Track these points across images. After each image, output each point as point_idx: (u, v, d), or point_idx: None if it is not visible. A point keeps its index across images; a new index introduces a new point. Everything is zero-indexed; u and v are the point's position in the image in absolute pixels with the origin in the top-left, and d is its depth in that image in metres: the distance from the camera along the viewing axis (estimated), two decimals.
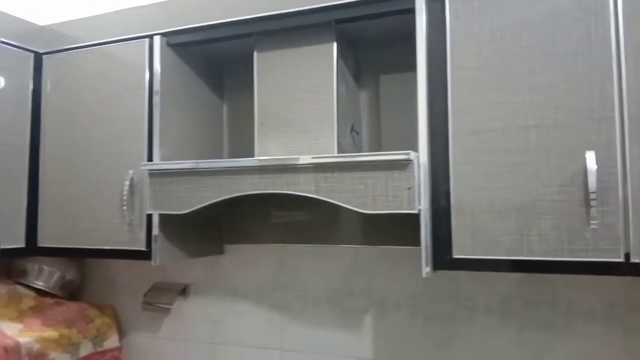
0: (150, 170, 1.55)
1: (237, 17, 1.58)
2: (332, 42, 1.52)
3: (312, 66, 1.54)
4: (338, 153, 1.48)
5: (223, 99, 1.93)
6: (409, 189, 1.23)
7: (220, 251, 1.88)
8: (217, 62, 1.87)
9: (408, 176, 1.23)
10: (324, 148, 1.50)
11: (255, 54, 1.61)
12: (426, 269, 1.26)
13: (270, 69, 1.59)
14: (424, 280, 1.60)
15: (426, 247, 1.26)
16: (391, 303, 1.67)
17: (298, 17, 1.50)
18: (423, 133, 1.30)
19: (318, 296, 1.77)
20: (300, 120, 1.54)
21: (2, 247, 1.70)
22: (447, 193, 1.27)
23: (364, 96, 1.74)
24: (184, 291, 1.94)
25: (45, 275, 1.98)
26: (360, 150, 1.69)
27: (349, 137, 1.59)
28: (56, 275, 2.00)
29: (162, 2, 1.69)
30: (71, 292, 2.06)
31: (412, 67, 1.33)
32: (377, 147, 1.72)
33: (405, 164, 1.24)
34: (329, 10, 1.46)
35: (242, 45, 1.67)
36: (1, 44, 1.73)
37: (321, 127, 1.51)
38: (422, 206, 1.25)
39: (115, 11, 1.78)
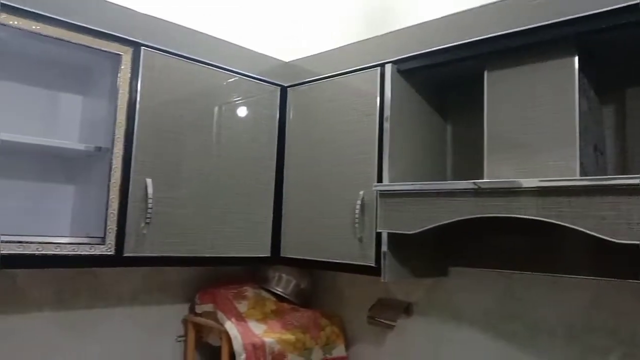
0: (380, 190, 1.63)
1: (464, 39, 1.58)
2: (573, 55, 1.42)
3: (549, 82, 1.46)
4: (580, 175, 1.37)
5: (447, 121, 1.94)
6: None
7: (444, 273, 1.88)
8: (441, 84, 1.89)
9: None
10: (564, 169, 1.40)
11: (485, 73, 1.58)
12: None
13: (501, 88, 1.55)
14: None
15: None
16: None
17: (536, 33, 1.44)
18: None
19: (552, 329, 1.64)
20: (535, 141, 1.47)
21: (252, 255, 1.95)
22: None
23: (607, 112, 1.58)
24: (407, 309, 1.97)
25: (283, 282, 2.21)
26: (605, 172, 1.53)
27: (592, 157, 1.46)
28: (292, 283, 2.22)
29: (392, 32, 1.78)
30: (304, 299, 2.26)
31: None
32: (622, 168, 1.54)
33: None
34: (572, 24, 1.37)
35: (468, 67, 1.66)
36: (256, 80, 2.01)
37: (560, 147, 1.41)
38: None
39: (349, 44, 1.93)
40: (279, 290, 2.19)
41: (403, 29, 1.75)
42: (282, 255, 2.01)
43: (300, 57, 2.10)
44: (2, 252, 1.41)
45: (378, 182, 1.70)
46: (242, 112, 1.98)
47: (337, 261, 1.81)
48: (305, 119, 2.03)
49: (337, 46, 1.98)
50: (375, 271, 1.68)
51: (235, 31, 2.22)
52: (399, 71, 1.75)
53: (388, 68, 1.74)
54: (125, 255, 1.63)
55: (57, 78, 1.85)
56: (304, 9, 2.57)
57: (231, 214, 1.91)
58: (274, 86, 2.08)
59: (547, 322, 1.65)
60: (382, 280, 1.65)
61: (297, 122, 2.05)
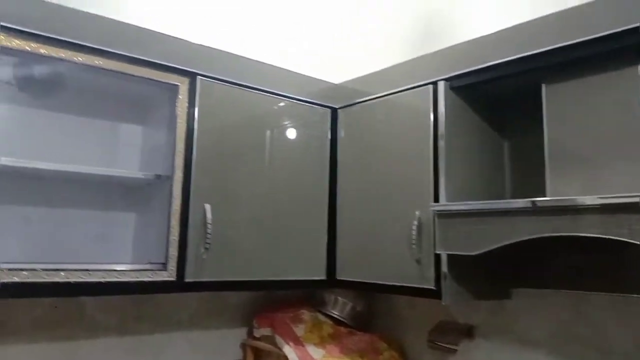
0: (438, 211, 1.60)
1: (519, 54, 1.55)
2: (637, 65, 1.36)
3: (612, 94, 1.40)
4: None
5: (503, 137, 1.89)
6: None
7: (506, 295, 1.81)
8: (496, 100, 1.85)
9: None
10: (630, 185, 1.33)
11: (543, 87, 1.54)
12: None
13: (561, 102, 1.50)
14: None
15: None
16: None
17: (596, 44, 1.39)
18: None
19: (627, 353, 1.55)
20: (599, 156, 1.41)
21: (309, 278, 1.95)
22: None
23: None
24: (469, 332, 1.91)
25: (339, 305, 2.20)
26: None
27: None
28: (349, 306, 2.19)
29: (443, 49, 1.77)
30: (360, 322, 2.23)
31: None
32: None
33: None
34: (634, 33, 1.32)
35: (524, 81, 1.62)
36: (307, 103, 2.03)
37: (626, 161, 1.35)
38: None
39: (398, 63, 1.93)
40: (335, 313, 2.18)
41: (455, 45, 1.74)
42: (338, 277, 2.00)
43: (350, 78, 2.11)
44: (69, 280, 1.46)
45: (434, 201, 1.67)
46: (294, 135, 2.00)
47: (395, 284, 1.78)
48: (356, 140, 2.02)
49: (386, 66, 1.98)
50: (434, 294, 1.64)
51: (285, 56, 2.26)
52: (452, 88, 1.72)
53: (441, 85, 1.71)
54: (186, 281, 1.65)
55: (117, 109, 1.93)
56: (352, 31, 2.59)
57: (287, 236, 1.92)
58: (325, 108, 2.09)
59: (621, 345, 1.56)
60: (443, 303, 1.61)
61: (349, 143, 2.05)
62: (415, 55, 1.89)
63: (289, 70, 2.01)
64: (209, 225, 1.69)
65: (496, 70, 1.61)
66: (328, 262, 2.01)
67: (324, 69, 2.23)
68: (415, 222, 1.70)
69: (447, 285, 1.61)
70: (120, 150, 1.94)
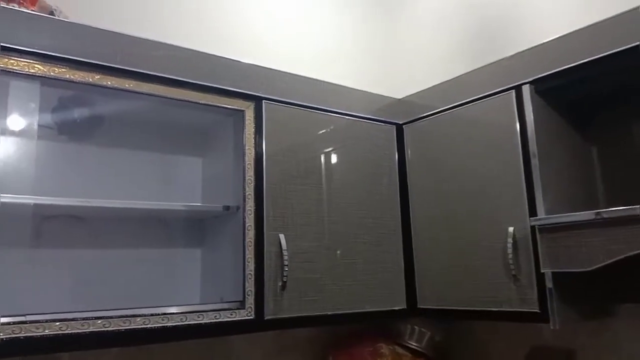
0: (540, 225, 1.45)
1: (612, 49, 1.42)
2: None
3: None
4: None
5: (591, 141, 1.75)
6: None
7: (610, 312, 1.64)
8: (582, 102, 1.71)
9: None
10: None
11: None
12: None
13: None
14: None
15: None
16: None
17: None
18: None
19: None
20: None
21: (388, 308, 1.80)
22: None
23: None
24: (569, 358, 1.74)
25: (417, 335, 2.04)
26: None
27: None
28: (427, 336, 2.03)
29: (524, 51, 1.64)
30: (441, 353, 2.06)
31: None
32: None
33: None
34: None
35: (614, 81, 1.49)
36: (371, 121, 1.92)
37: None
38: None
39: (465, 73, 1.81)
40: (413, 344, 2.01)
41: (537, 46, 1.60)
42: (419, 306, 1.84)
43: (414, 92, 2.00)
44: (147, 326, 1.34)
45: (531, 215, 1.52)
46: (360, 154, 1.88)
47: (488, 309, 1.63)
48: (426, 156, 1.90)
49: (451, 77, 1.86)
50: (539, 317, 1.49)
51: (346, 74, 2.17)
52: (537, 92, 1.60)
53: (526, 89, 1.59)
54: (266, 318, 1.53)
55: (175, 141, 1.84)
56: (412, 43, 2.50)
57: (361, 264, 1.78)
58: (389, 125, 1.98)
59: None
60: (552, 327, 1.45)
61: (418, 160, 1.93)
62: (477, 65, 1.78)
63: (351, 88, 1.91)
64: (285, 257, 1.57)
65: (587, 69, 1.48)
66: (408, 290, 1.86)
67: (386, 84, 2.13)
68: (510, 240, 1.55)
69: (555, 306, 1.45)
70: (180, 184, 1.84)
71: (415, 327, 2.03)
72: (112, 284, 1.64)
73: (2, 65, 1.27)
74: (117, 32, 1.45)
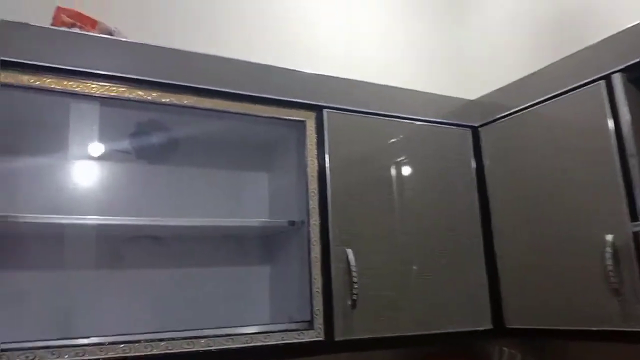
0: None
1: None
2: None
3: None
4: None
5: None
6: None
7: None
8: None
9: None
10: None
11: None
12: None
13: None
14: None
15: None
16: None
17: None
18: None
19: None
20: None
21: (472, 329, 1.65)
22: None
23: None
24: None
25: (505, 357, 1.86)
26: None
27: None
28: (517, 359, 1.85)
29: (610, 37, 1.46)
30: None
31: None
32: None
33: None
34: None
35: None
36: (443, 125, 1.79)
37: None
38: None
39: (547, 66, 1.65)
40: None
41: (627, 29, 1.41)
42: (507, 326, 1.67)
43: (489, 91, 1.85)
44: (211, 348, 1.30)
45: (633, 220, 1.32)
46: (432, 161, 1.75)
47: (586, 328, 1.43)
48: (506, 160, 1.74)
49: (530, 72, 1.70)
50: None
51: (412, 77, 2.06)
52: (629, 80, 1.40)
53: (617, 79, 1.40)
54: (336, 340, 1.43)
55: (240, 157, 1.82)
56: (484, 40, 2.35)
57: (440, 281, 1.65)
58: (463, 128, 1.83)
59: None
60: None
61: (498, 165, 1.77)
62: (557, 58, 1.61)
63: (419, 91, 1.80)
64: (354, 273, 1.47)
65: None
66: (493, 308, 1.69)
67: (456, 84, 2.00)
68: (609, 249, 1.36)
69: None
70: (247, 200, 1.81)
71: (504, 348, 1.86)
72: (186, 303, 1.63)
73: (79, 90, 1.30)
74: (177, 49, 1.45)
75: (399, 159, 1.69)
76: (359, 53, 2.17)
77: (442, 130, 1.80)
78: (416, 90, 1.80)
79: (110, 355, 1.19)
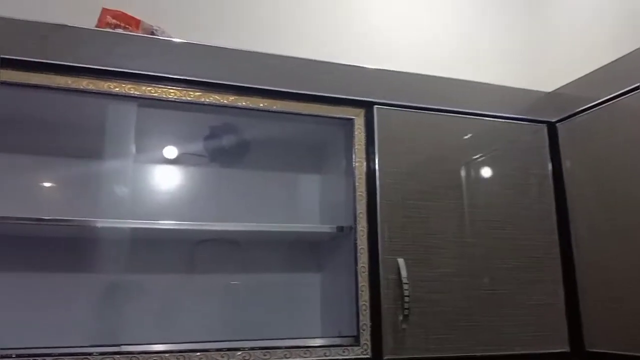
0: None
1: None
2: None
3: None
4: None
5: None
6: None
7: None
8: None
9: None
10: None
11: None
12: None
13: None
14: None
15: None
16: None
17: None
18: None
19: None
20: None
21: (545, 351, 1.45)
22: None
23: None
24: None
25: None
26: None
27: None
28: None
29: None
30: None
31: None
32: None
33: None
34: None
35: None
36: (513, 121, 1.60)
37: None
38: None
39: (630, 52, 1.41)
40: None
41: None
42: (587, 349, 1.45)
43: (568, 81, 1.63)
44: None
45: None
46: (499, 163, 1.57)
47: None
48: (588, 159, 1.51)
49: (614, 58, 1.47)
50: None
51: (475, 67, 1.88)
52: None
53: None
54: (385, 359, 1.30)
55: (293, 159, 1.75)
56: (563, 26, 2.11)
57: (507, 296, 1.46)
58: (538, 124, 1.63)
59: None
60: None
61: (578, 165, 1.55)
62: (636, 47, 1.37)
63: (486, 83, 1.62)
64: (405, 285, 1.34)
65: None
66: (571, 328, 1.48)
67: (529, 77, 1.79)
68: None
69: None
70: (301, 203, 1.73)
71: None
72: (230, 313, 1.58)
73: (156, 95, 1.31)
74: (247, 50, 1.40)
75: (462, 160, 1.53)
76: (418, 46, 2.02)
77: (514, 126, 1.61)
78: (482, 83, 1.62)
79: None
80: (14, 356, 1.05)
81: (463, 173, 1.52)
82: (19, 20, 1.22)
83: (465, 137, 1.55)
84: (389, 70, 1.52)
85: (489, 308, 1.43)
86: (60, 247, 1.44)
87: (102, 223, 1.29)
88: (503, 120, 1.60)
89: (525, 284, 1.48)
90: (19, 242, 1.41)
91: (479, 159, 1.55)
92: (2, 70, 1.19)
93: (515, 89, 1.65)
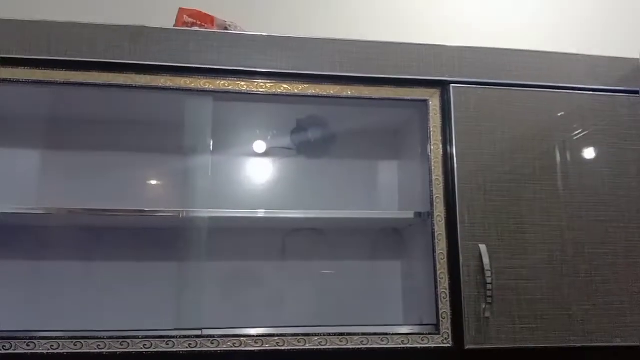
0: None
1: None
2: None
3: None
4: None
5: None
6: None
7: None
8: None
9: None
10: None
11: None
12: None
13: None
14: None
15: None
16: None
17: None
18: None
19: None
20: None
21: None
22: None
23: None
24: None
25: None
26: None
27: None
28: None
29: None
30: None
31: None
32: None
33: None
34: None
35: None
36: (607, 93, 1.46)
37: None
38: None
39: None
40: None
41: None
42: None
43: None
44: (322, 347, 1.22)
45: None
46: (593, 140, 1.44)
47: None
48: None
49: None
50: None
51: (554, 37, 1.74)
52: None
53: None
54: (467, 348, 1.25)
55: (370, 145, 1.72)
56: None
57: (603, 283, 1.34)
58: (636, 95, 1.48)
59: None
60: None
61: None
62: None
63: (575, 54, 1.49)
64: (487, 272, 1.27)
65: None
66: None
67: (624, 45, 1.63)
68: None
69: None
70: (381, 190, 1.71)
71: None
72: (313, 299, 1.60)
73: (247, 89, 1.35)
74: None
75: (550, 139, 1.42)
76: (499, 20, 1.90)
77: (608, 99, 1.46)
78: (571, 53, 1.49)
79: (221, 348, 1.18)
80: (105, 338, 1.13)
81: (552, 153, 1.41)
82: (110, 25, 1.31)
83: (553, 113, 1.44)
84: (465, 47, 1.44)
85: (581, 296, 1.32)
86: (153, 237, 1.52)
87: (202, 213, 1.34)
88: (595, 92, 1.46)
89: (623, 271, 1.35)
90: (120, 233, 1.52)
91: (570, 137, 1.43)
92: (93, 73, 1.28)
93: (606, 57, 1.50)
